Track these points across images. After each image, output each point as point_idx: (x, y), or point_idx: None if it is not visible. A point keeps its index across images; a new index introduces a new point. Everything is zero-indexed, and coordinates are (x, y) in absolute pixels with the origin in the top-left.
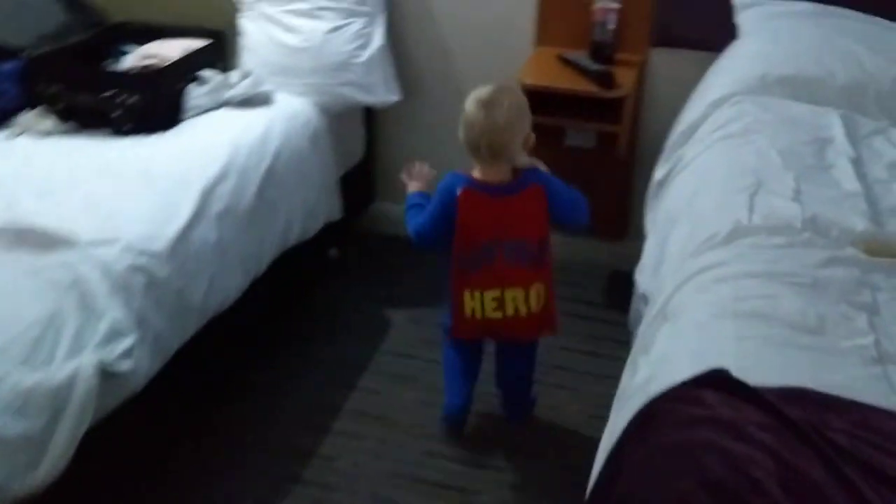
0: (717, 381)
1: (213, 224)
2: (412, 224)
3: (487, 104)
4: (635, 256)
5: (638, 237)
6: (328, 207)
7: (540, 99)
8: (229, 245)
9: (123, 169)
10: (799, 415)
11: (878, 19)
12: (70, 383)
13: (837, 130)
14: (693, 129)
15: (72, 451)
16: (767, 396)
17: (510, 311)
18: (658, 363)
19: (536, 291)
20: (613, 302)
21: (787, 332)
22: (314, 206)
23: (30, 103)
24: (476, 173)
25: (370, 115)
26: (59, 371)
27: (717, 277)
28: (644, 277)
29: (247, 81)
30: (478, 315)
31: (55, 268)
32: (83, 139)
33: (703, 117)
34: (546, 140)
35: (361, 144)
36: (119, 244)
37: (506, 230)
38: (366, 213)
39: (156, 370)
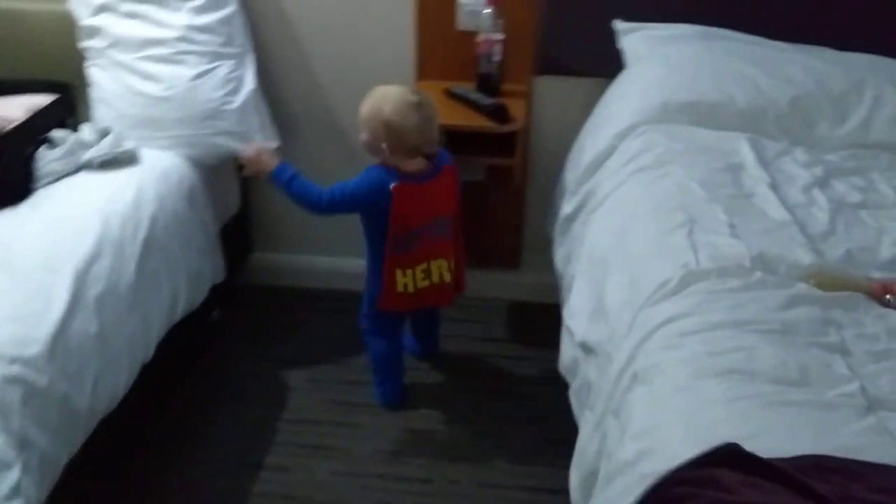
0: (728, 457)
1: (92, 312)
2: (315, 191)
3: (419, 105)
4: (531, 286)
5: (532, 268)
6: (212, 269)
7: None
8: (112, 333)
9: None
10: (827, 489)
11: (761, 39)
12: None
13: (747, 155)
14: (599, 161)
15: None
16: (787, 470)
17: (436, 279)
18: (645, 436)
19: (455, 259)
20: (517, 336)
21: (773, 389)
22: (198, 270)
23: None
24: (403, 166)
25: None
26: None
27: (683, 331)
28: (579, 323)
29: (107, 140)
30: (409, 289)
31: None
32: None
33: (610, 149)
34: None
35: (237, 196)
36: None
37: (433, 211)
38: (245, 265)
39: (45, 496)
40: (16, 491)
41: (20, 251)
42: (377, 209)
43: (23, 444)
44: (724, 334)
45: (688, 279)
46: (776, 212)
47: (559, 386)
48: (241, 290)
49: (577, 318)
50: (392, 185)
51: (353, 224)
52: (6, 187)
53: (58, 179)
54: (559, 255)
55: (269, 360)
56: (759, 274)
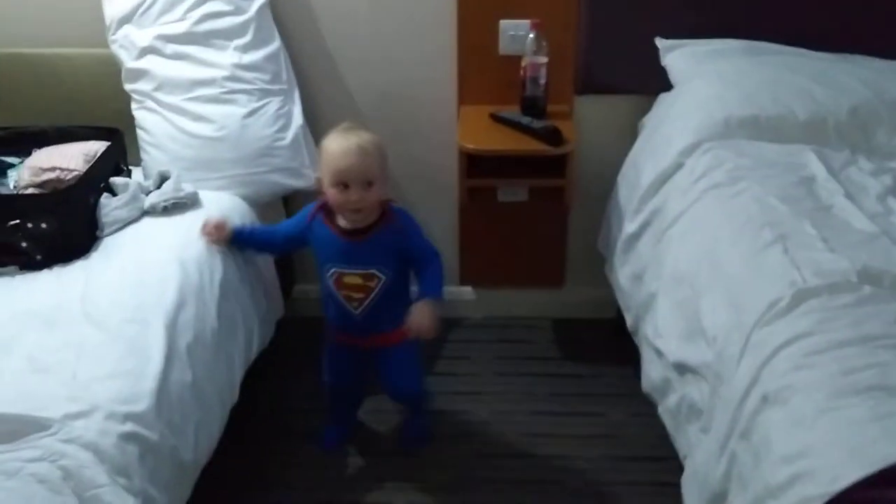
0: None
1: (185, 362)
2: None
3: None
4: (576, 304)
5: (576, 285)
6: (276, 305)
7: (471, 159)
8: (204, 381)
9: (59, 312)
10: None
11: (804, 51)
12: None
13: (817, 167)
14: (662, 179)
15: None
16: None
17: None
18: (798, 458)
19: None
20: (568, 354)
21: None
22: (266, 308)
23: None
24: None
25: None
26: None
27: (810, 350)
28: (670, 344)
29: (168, 184)
30: None
31: (35, 460)
32: None
33: (675, 166)
34: (478, 198)
35: None
36: (99, 413)
37: None
38: (289, 298)
39: None
40: None
41: (105, 304)
42: None
43: (146, 503)
44: (854, 351)
45: (799, 297)
46: (860, 223)
47: (621, 403)
48: (287, 323)
49: (666, 339)
50: None
51: None
52: (74, 238)
53: (123, 227)
54: (623, 273)
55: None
56: (867, 288)
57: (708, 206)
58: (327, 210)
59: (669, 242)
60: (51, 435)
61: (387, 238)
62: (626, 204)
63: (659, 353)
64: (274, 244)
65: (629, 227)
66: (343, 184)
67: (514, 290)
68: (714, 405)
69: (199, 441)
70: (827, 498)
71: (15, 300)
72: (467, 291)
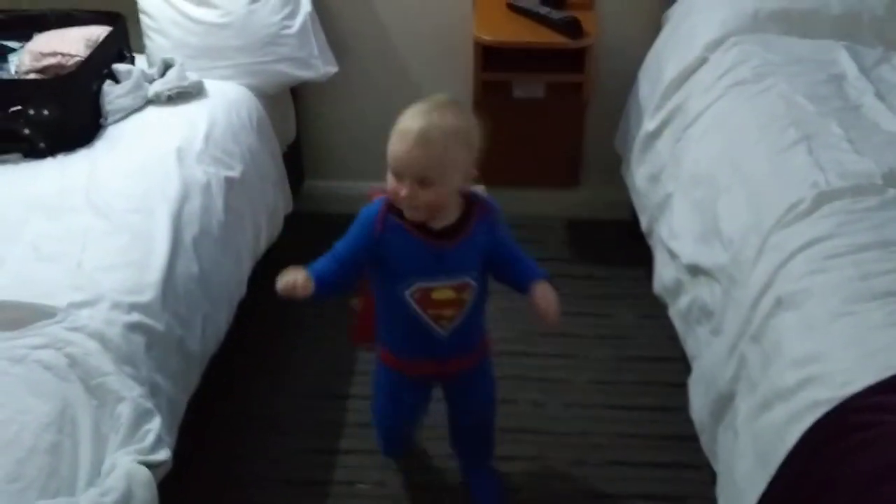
0: None
1: (192, 254)
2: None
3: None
4: (590, 204)
5: (591, 185)
6: (284, 201)
7: (486, 52)
8: (211, 274)
9: (63, 201)
10: None
11: None
12: (126, 498)
13: (847, 65)
14: (685, 75)
15: None
16: None
17: None
18: (809, 362)
19: None
20: (580, 254)
21: None
22: (274, 203)
23: None
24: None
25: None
26: (111, 488)
27: (828, 254)
28: (685, 245)
29: (172, 72)
30: None
31: (41, 347)
32: None
33: (699, 61)
34: (493, 92)
35: (293, 124)
36: (104, 302)
37: None
38: (299, 194)
39: (174, 442)
40: (160, 440)
41: (109, 194)
42: None
43: (153, 392)
44: (873, 256)
45: (821, 199)
46: (889, 124)
47: (631, 304)
48: (296, 219)
49: (681, 240)
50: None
51: None
52: (77, 126)
53: (127, 115)
54: (640, 173)
55: None
56: (892, 191)
57: (732, 103)
58: (396, 208)
59: (689, 141)
60: (56, 323)
61: (480, 237)
62: (647, 101)
63: (673, 254)
64: (349, 277)
65: (649, 125)
66: (396, 173)
67: (527, 189)
68: (726, 307)
69: (206, 333)
70: (836, 402)
71: (19, 188)
72: (479, 189)
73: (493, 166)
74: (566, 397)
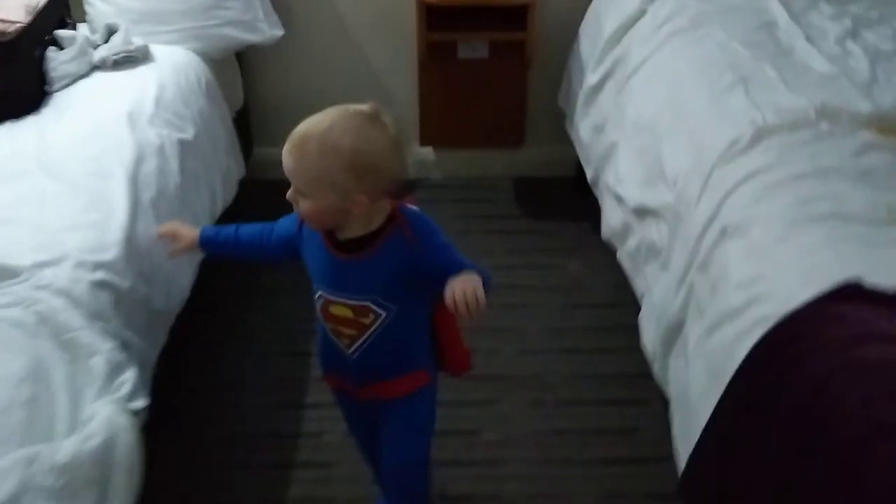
0: (849, 293)
1: (151, 215)
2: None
3: (375, 117)
4: (535, 161)
5: (536, 143)
6: (237, 165)
7: (430, 13)
8: None
9: (15, 166)
10: None
11: None
12: (108, 445)
13: (778, 11)
14: (625, 28)
15: None
16: None
17: None
18: (754, 283)
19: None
20: (528, 211)
21: (870, 230)
22: (227, 167)
23: None
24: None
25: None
26: (92, 433)
27: (768, 184)
28: (631, 189)
29: (117, 37)
30: None
31: (8, 306)
32: None
33: (639, 13)
34: (438, 54)
35: (240, 90)
36: (68, 261)
37: None
38: (248, 161)
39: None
40: (137, 389)
41: (62, 158)
42: None
43: (124, 347)
44: (811, 183)
45: (759, 135)
46: (820, 65)
47: (579, 256)
48: (246, 186)
49: (627, 185)
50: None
51: None
52: (22, 94)
53: (73, 82)
54: (584, 126)
55: None
56: (825, 125)
57: (671, 52)
58: None
59: (631, 91)
60: (22, 282)
61: (391, 256)
62: (588, 56)
63: (619, 199)
64: (266, 248)
65: (591, 78)
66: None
67: (474, 150)
68: (673, 243)
69: (170, 291)
70: (781, 316)
71: None
72: (427, 152)
73: (439, 129)
74: (520, 344)
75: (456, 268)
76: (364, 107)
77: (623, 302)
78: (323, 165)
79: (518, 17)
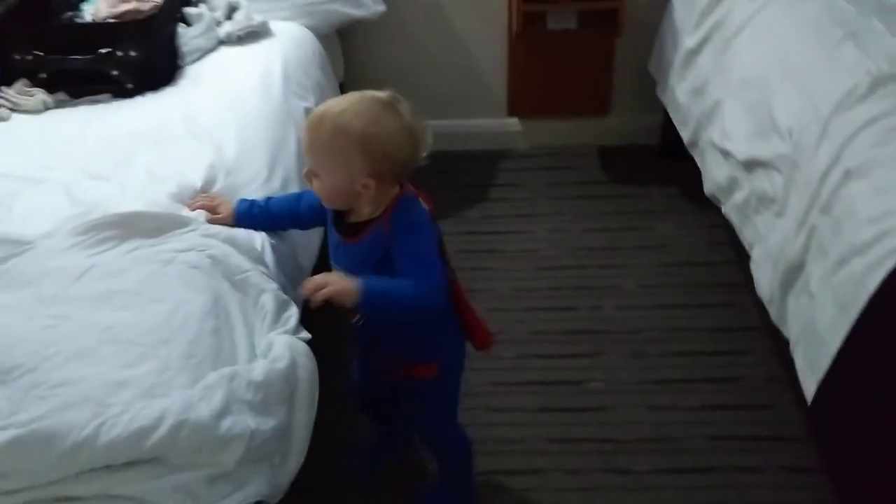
0: None
1: (293, 176)
2: (405, 290)
3: (392, 103)
4: (620, 131)
5: (621, 113)
6: None
7: None
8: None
9: (165, 131)
10: None
11: None
12: (292, 368)
13: None
14: None
15: (308, 441)
16: None
17: None
18: (884, 218)
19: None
20: (615, 177)
21: None
22: None
23: (4, 76)
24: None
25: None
26: (278, 357)
27: (889, 128)
28: (739, 144)
29: (239, 15)
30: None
31: (185, 251)
32: (90, 108)
33: None
34: (527, 26)
35: (341, 66)
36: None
37: None
38: None
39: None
40: (300, 324)
41: (206, 125)
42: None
43: (283, 289)
44: None
45: (876, 84)
46: None
47: (669, 217)
48: None
49: (735, 140)
50: (425, 205)
51: (453, 86)
52: (160, 66)
53: (202, 56)
54: (681, 89)
55: None
56: None
57: (774, 13)
58: None
59: (736, 51)
60: (192, 231)
61: (372, 246)
62: (684, 21)
63: (726, 154)
64: (298, 216)
65: (689, 42)
66: None
67: (559, 120)
68: (789, 191)
69: (308, 247)
70: None
71: (122, 123)
72: (514, 123)
73: (527, 99)
74: (619, 300)
75: (404, 275)
76: (382, 94)
77: (715, 261)
78: (334, 146)
79: None
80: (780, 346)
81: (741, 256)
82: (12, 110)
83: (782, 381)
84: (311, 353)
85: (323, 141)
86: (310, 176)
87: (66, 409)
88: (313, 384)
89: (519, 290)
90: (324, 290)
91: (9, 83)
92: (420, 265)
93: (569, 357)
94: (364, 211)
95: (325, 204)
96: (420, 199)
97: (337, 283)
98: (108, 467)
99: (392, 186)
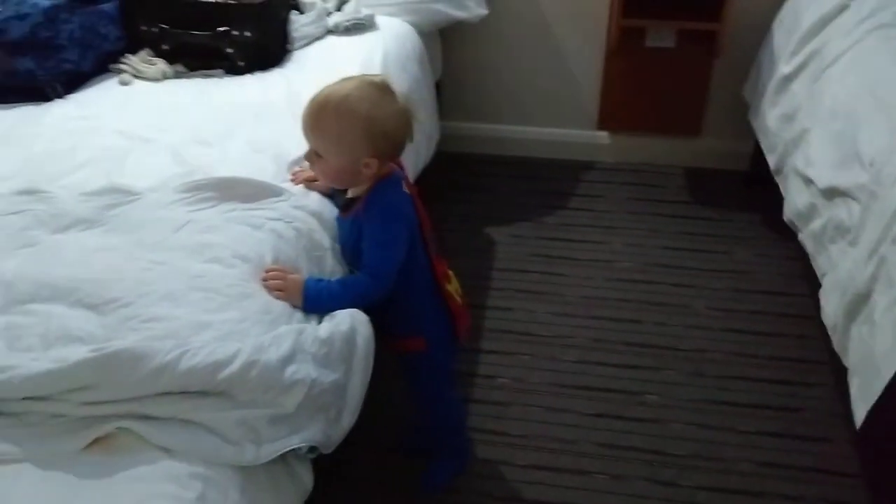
0: None
1: None
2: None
3: (386, 87)
4: (709, 154)
5: (712, 135)
6: (436, 130)
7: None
8: None
9: (267, 108)
10: None
11: None
12: (352, 332)
13: None
14: (826, 21)
15: (361, 402)
16: None
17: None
18: None
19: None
20: (698, 199)
21: None
22: (430, 130)
23: (130, 45)
24: (392, 166)
25: None
26: (341, 321)
27: None
28: (822, 171)
29: (349, 6)
30: (460, 297)
31: (274, 219)
32: (203, 81)
33: (840, 8)
34: (625, 42)
35: (440, 64)
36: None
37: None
38: None
39: None
40: None
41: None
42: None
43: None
44: None
45: None
46: None
47: (747, 244)
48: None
49: (818, 167)
50: (405, 186)
51: (546, 94)
52: (271, 48)
53: (310, 42)
54: (772, 115)
55: (470, 219)
56: None
57: (872, 45)
58: None
59: (828, 80)
60: (283, 200)
61: (354, 221)
62: (782, 47)
63: (808, 181)
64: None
65: (784, 69)
66: None
67: (648, 137)
68: (865, 221)
69: None
70: None
71: (230, 97)
72: (602, 136)
73: (618, 113)
74: (686, 319)
75: (363, 263)
76: (377, 78)
77: (791, 292)
78: (339, 129)
79: (709, 8)
80: (845, 383)
81: (814, 290)
82: (135, 76)
83: (844, 417)
84: (369, 323)
85: (328, 125)
86: (311, 157)
87: (154, 341)
88: (369, 350)
89: (587, 297)
90: (274, 290)
91: (134, 52)
92: (372, 254)
93: (629, 368)
94: (359, 189)
95: (328, 183)
96: (403, 183)
97: (287, 285)
98: (183, 393)
99: (386, 165)
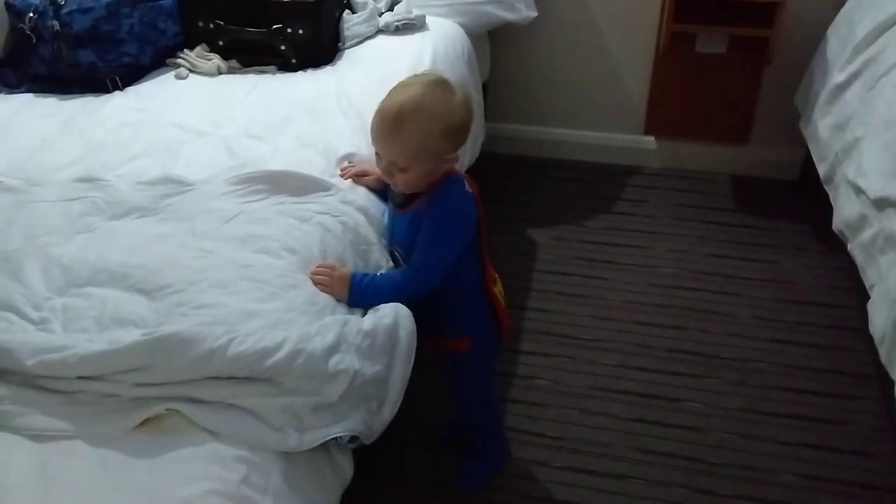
0: None
1: None
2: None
3: (445, 81)
4: (758, 162)
5: (762, 143)
6: (482, 130)
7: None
8: None
9: (318, 104)
10: None
11: None
12: (395, 326)
13: None
14: (882, 29)
15: (402, 394)
16: None
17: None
18: None
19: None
20: (744, 207)
21: None
22: (476, 131)
23: (187, 40)
24: (456, 164)
25: None
26: (384, 314)
27: None
28: (874, 182)
29: (400, 6)
30: (503, 299)
31: (321, 213)
32: (256, 76)
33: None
34: (675, 47)
35: (488, 65)
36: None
37: None
38: None
39: None
40: None
41: (356, 103)
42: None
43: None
44: None
45: None
46: None
47: (794, 254)
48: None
49: (870, 177)
50: (468, 186)
51: (594, 98)
52: (323, 46)
53: (361, 41)
54: (823, 124)
55: (513, 220)
56: None
57: None
58: None
59: (883, 89)
60: (331, 195)
61: (415, 216)
62: (836, 56)
63: (859, 190)
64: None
65: (837, 77)
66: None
67: (696, 143)
68: None
69: None
70: None
71: (282, 93)
72: (649, 141)
73: (666, 119)
74: (730, 328)
75: (413, 259)
76: (432, 76)
77: (838, 303)
78: (422, 138)
79: (761, 15)
80: (891, 397)
81: (862, 303)
82: (191, 71)
83: (890, 431)
84: (412, 317)
85: (409, 137)
86: (391, 170)
87: (204, 327)
88: (411, 344)
89: (629, 302)
90: (320, 283)
91: (190, 47)
92: (424, 251)
93: (670, 374)
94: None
95: (410, 190)
96: (466, 182)
97: (333, 280)
98: (230, 378)
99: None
